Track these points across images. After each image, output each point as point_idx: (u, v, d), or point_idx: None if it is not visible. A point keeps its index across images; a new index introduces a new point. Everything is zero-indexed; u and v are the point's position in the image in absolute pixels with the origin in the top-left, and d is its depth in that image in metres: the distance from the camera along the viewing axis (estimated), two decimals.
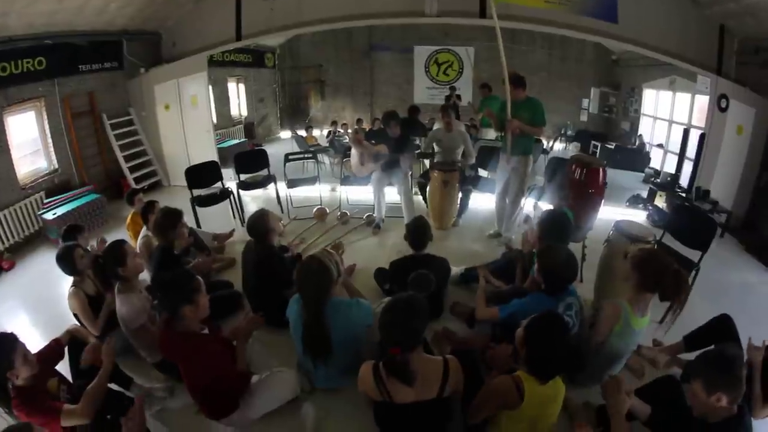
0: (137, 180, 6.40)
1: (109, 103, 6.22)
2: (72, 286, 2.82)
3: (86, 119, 5.89)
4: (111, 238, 3.16)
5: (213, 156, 6.26)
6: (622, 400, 1.89)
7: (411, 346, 1.86)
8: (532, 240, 3.08)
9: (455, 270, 3.63)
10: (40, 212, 4.91)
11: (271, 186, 5.44)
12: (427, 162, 5.67)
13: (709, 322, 2.70)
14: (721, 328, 2.62)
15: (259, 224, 3.08)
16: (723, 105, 5.44)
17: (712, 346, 2.45)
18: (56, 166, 5.44)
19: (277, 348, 2.83)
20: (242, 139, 10.06)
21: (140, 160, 6.62)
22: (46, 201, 5.05)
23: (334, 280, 2.35)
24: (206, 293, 2.22)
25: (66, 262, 2.78)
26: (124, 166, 6.29)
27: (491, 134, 6.45)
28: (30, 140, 5.23)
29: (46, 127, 5.27)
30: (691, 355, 2.67)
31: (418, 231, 3.24)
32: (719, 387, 1.61)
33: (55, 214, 4.84)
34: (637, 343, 2.58)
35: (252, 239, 3.17)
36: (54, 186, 5.32)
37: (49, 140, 5.32)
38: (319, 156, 7.14)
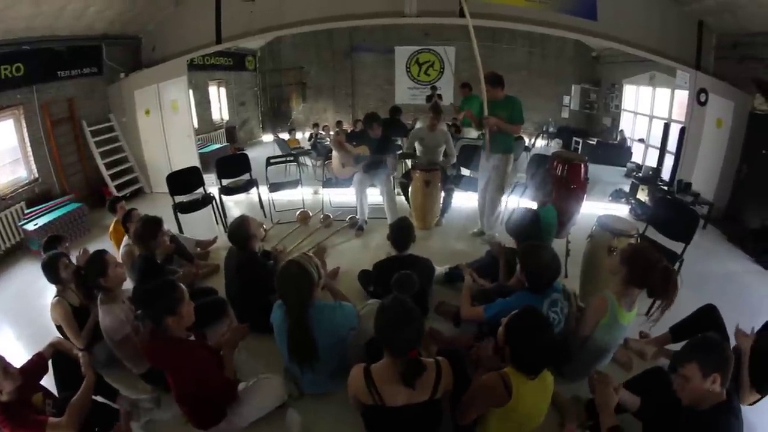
0: (119, 187, 6.29)
1: (88, 110, 6.10)
2: (55, 296, 2.78)
3: (66, 126, 5.77)
4: (93, 247, 3.10)
5: (195, 161, 6.19)
6: (609, 394, 1.90)
7: (417, 348, 1.87)
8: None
9: (439, 269, 3.63)
10: (20, 223, 4.80)
11: (254, 190, 5.39)
12: (409, 162, 5.66)
13: (695, 313, 2.75)
14: (707, 319, 2.67)
15: (240, 231, 3.05)
16: (702, 99, 5.53)
17: (699, 334, 2.50)
18: (36, 175, 5.32)
19: (263, 354, 2.81)
20: (224, 144, 9.94)
21: (121, 167, 6.51)
22: (26, 211, 4.94)
23: (315, 283, 2.33)
24: (190, 301, 2.19)
25: (49, 271, 2.76)
26: (105, 173, 6.18)
27: (473, 133, 6.48)
28: (9, 149, 5.11)
29: (26, 135, 5.15)
30: (678, 346, 2.72)
31: (400, 232, 3.23)
32: (715, 367, 1.63)
33: (36, 224, 4.74)
34: (624, 337, 2.61)
35: (233, 245, 3.13)
36: (34, 196, 5.21)
37: (29, 149, 5.20)
38: (301, 159, 7.10)
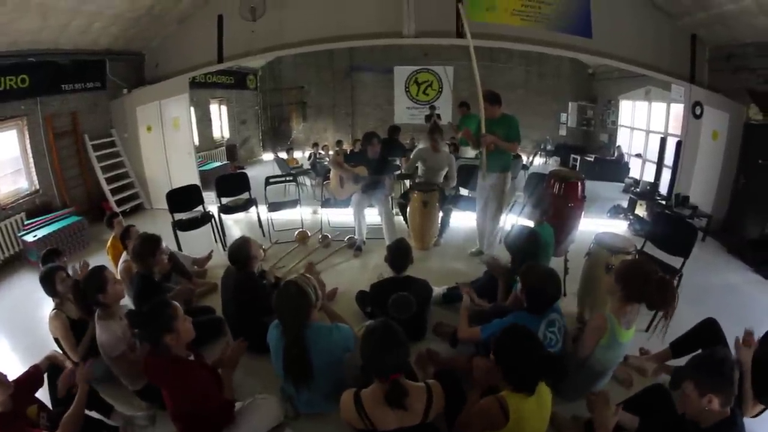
0: (119, 203, 6.30)
1: (91, 124, 6.16)
2: (53, 308, 2.78)
3: (68, 139, 5.81)
4: (92, 261, 3.10)
5: (195, 179, 6.22)
6: (608, 415, 1.88)
7: (401, 371, 1.87)
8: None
9: (438, 290, 3.60)
10: (20, 234, 4.81)
11: (253, 209, 5.39)
12: (408, 182, 5.68)
13: (695, 327, 2.73)
14: (708, 333, 2.65)
15: (241, 251, 3.05)
16: (698, 112, 5.60)
17: (700, 351, 2.48)
18: (37, 187, 5.35)
19: (259, 374, 2.79)
20: (224, 162, 10.02)
21: (122, 183, 6.53)
22: (26, 222, 4.96)
23: (312, 305, 2.33)
24: (188, 317, 2.19)
25: (46, 284, 2.78)
26: (106, 188, 6.20)
27: (470, 153, 6.51)
28: (11, 159, 5.15)
29: (28, 146, 5.20)
30: (678, 362, 2.70)
31: (398, 253, 3.21)
32: (710, 388, 1.62)
33: (35, 236, 4.75)
34: (624, 354, 2.58)
35: (232, 265, 3.14)
36: (35, 207, 5.23)
37: (31, 160, 5.24)
38: (300, 178, 7.12)
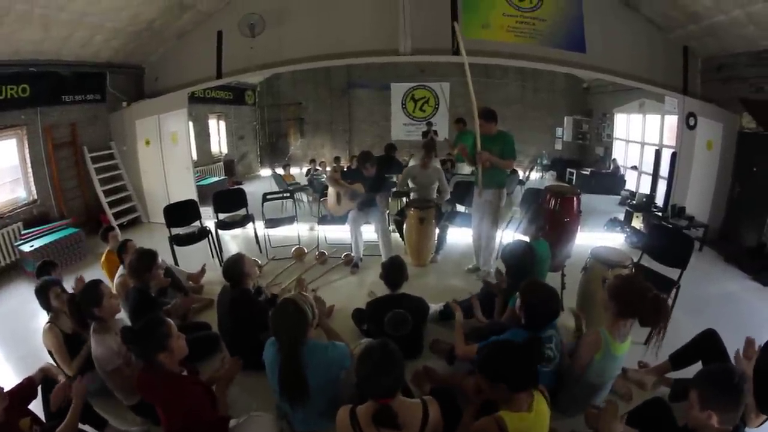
0: (117, 215, 6.29)
1: (90, 136, 6.20)
2: (48, 322, 2.76)
3: (67, 151, 5.84)
4: (89, 274, 3.10)
5: (192, 194, 6.21)
6: (616, 427, 1.86)
7: (395, 393, 1.85)
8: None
9: (434, 307, 3.58)
10: (17, 243, 4.80)
11: (250, 225, 5.37)
12: (405, 199, 5.68)
13: (694, 339, 2.71)
14: (707, 344, 2.63)
15: (235, 268, 3.04)
16: (691, 123, 5.67)
17: (699, 361, 2.46)
18: (35, 197, 5.36)
19: (255, 391, 2.75)
20: (222, 177, 10.05)
21: (120, 195, 6.54)
22: (23, 232, 4.95)
23: (309, 323, 2.31)
24: (181, 334, 2.18)
25: (41, 297, 2.79)
26: (104, 200, 6.20)
27: (466, 169, 6.54)
28: (10, 168, 5.17)
29: (27, 156, 5.22)
30: (678, 374, 2.68)
31: (393, 271, 3.20)
32: (712, 405, 1.59)
33: (32, 246, 4.74)
34: (621, 368, 2.57)
35: (227, 282, 3.13)
36: (32, 217, 5.23)
37: (30, 169, 5.26)
38: (297, 195, 7.12)
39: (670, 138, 6.93)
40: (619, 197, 7.87)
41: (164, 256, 3.38)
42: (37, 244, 4.79)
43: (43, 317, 2.84)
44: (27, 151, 5.21)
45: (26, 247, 4.71)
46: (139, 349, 2.12)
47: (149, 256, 3.13)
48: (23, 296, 4.20)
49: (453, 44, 5.92)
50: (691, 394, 1.64)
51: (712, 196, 5.44)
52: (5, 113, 4.84)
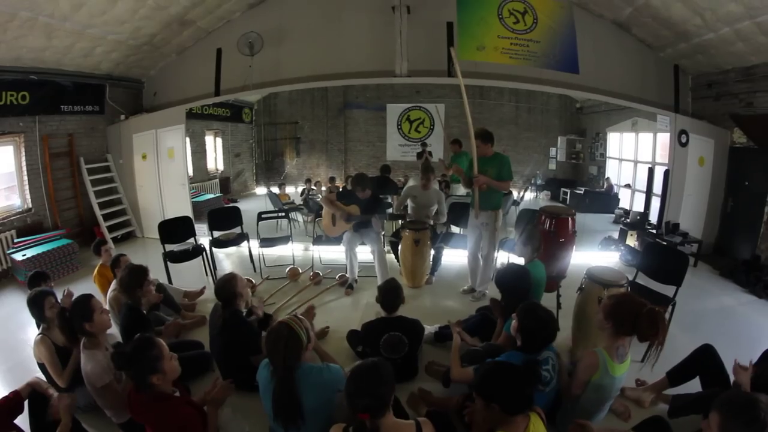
0: (111, 229, 6.26)
1: (87, 147, 6.21)
2: (40, 333, 2.72)
3: (63, 161, 5.83)
4: (81, 287, 3.05)
5: (187, 210, 6.22)
6: None
7: (380, 412, 1.82)
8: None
9: (429, 329, 3.56)
10: (9, 251, 4.75)
11: (245, 244, 5.34)
12: (400, 221, 5.66)
13: (692, 354, 2.72)
14: (704, 359, 2.63)
15: (227, 287, 3.00)
16: (683, 140, 5.76)
17: (697, 376, 2.44)
18: (30, 206, 5.34)
19: (247, 413, 2.70)
20: (217, 194, 10.01)
21: (115, 209, 6.52)
22: (16, 240, 4.90)
23: (303, 347, 2.29)
24: (174, 353, 2.14)
25: (35, 307, 2.75)
26: (99, 213, 6.17)
27: (461, 190, 6.57)
28: (5, 175, 5.15)
29: (23, 163, 5.22)
30: (675, 390, 2.66)
31: (388, 294, 3.18)
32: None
33: (24, 255, 4.69)
34: (621, 387, 2.54)
35: (218, 301, 3.09)
36: (26, 226, 5.19)
37: (25, 177, 5.25)
38: (293, 214, 7.12)
39: (662, 155, 7.00)
40: (613, 216, 7.90)
41: (158, 273, 3.35)
42: (30, 253, 4.75)
43: (32, 329, 2.81)
44: (23, 158, 5.21)
45: (18, 256, 4.66)
46: (131, 373, 2.07)
47: (140, 271, 3.08)
48: (13, 306, 4.15)
49: (449, 66, 6.03)
50: (712, 416, 1.60)
51: (706, 211, 5.53)
52: (4, 120, 4.86)
